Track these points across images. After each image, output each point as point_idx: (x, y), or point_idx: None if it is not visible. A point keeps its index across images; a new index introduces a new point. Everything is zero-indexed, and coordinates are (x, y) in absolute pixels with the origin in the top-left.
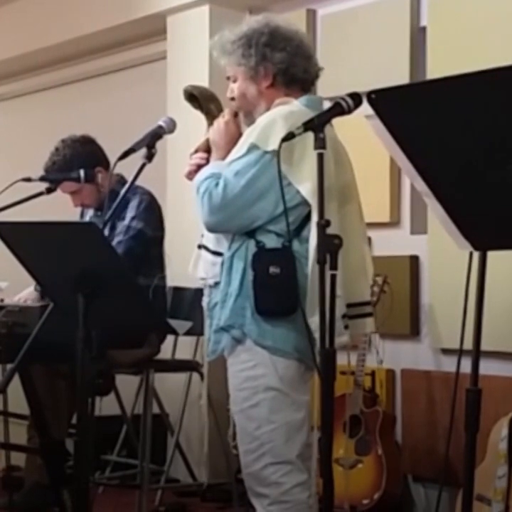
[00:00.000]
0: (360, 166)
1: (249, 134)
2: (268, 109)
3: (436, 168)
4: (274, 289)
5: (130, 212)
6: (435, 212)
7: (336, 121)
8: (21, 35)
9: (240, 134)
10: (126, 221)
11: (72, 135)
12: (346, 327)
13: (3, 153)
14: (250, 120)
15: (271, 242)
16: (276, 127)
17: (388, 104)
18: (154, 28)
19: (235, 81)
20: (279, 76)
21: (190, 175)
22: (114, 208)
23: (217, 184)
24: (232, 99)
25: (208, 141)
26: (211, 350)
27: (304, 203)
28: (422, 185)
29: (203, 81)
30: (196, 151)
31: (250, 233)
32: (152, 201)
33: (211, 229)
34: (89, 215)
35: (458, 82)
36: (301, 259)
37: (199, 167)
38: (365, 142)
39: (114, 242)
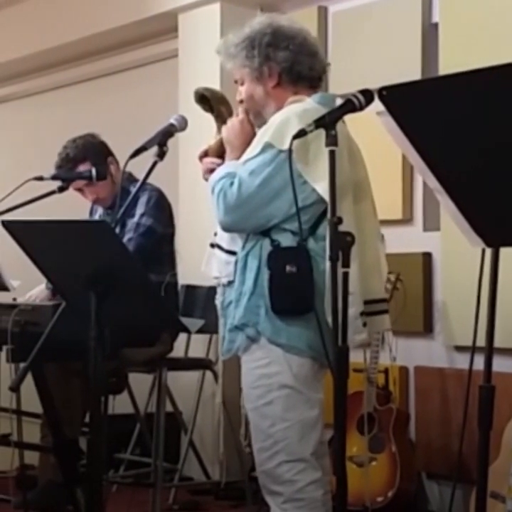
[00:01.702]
0: (372, 163)
1: (264, 133)
2: (278, 108)
3: (447, 165)
4: (291, 287)
5: (139, 209)
6: (447, 209)
7: (348, 118)
8: (33, 34)
9: (254, 134)
10: (136, 218)
11: (77, 135)
12: (364, 325)
13: (16, 152)
14: (261, 121)
15: (286, 240)
16: (291, 125)
17: (399, 100)
18: (166, 26)
19: (242, 84)
20: (284, 75)
21: (206, 175)
22: (125, 207)
23: (232, 183)
24: (241, 101)
25: (220, 142)
26: (226, 349)
27: (320, 200)
28: (433, 182)
29: (214, 79)
30: (206, 153)
31: (265, 232)
32: (161, 198)
33: (227, 228)
34: (98, 213)
35: (469, 78)
36: (317, 257)
37: (214, 170)
38: (378, 139)
39: (124, 240)
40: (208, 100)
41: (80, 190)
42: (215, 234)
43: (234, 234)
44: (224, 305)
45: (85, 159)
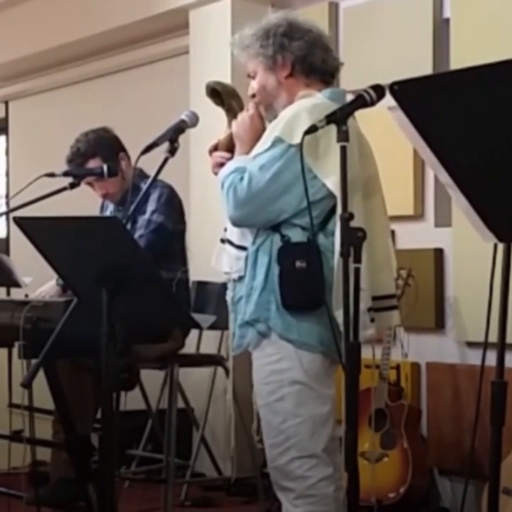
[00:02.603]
0: (383, 158)
1: (274, 128)
2: (290, 101)
3: (459, 159)
4: (301, 283)
5: (150, 206)
6: (459, 204)
7: (360, 113)
8: (44, 31)
9: (264, 129)
10: (147, 215)
11: (91, 128)
12: (372, 320)
13: (28, 149)
14: (272, 114)
15: (296, 236)
16: (301, 120)
17: (411, 95)
18: (177, 23)
19: (254, 77)
20: (297, 65)
21: (215, 168)
22: (136, 203)
23: (242, 178)
24: (253, 96)
25: (230, 136)
26: (236, 345)
27: (330, 195)
28: (445, 177)
29: (225, 75)
30: (216, 147)
31: (275, 227)
32: (172, 194)
33: (236, 223)
34: (109, 209)
35: (480, 73)
36: (327, 252)
37: (223, 164)
38: (389, 135)
39: (135, 237)
40: (219, 94)
41: (89, 184)
42: (226, 229)
43: (244, 229)
44: (234, 300)
45: (95, 155)
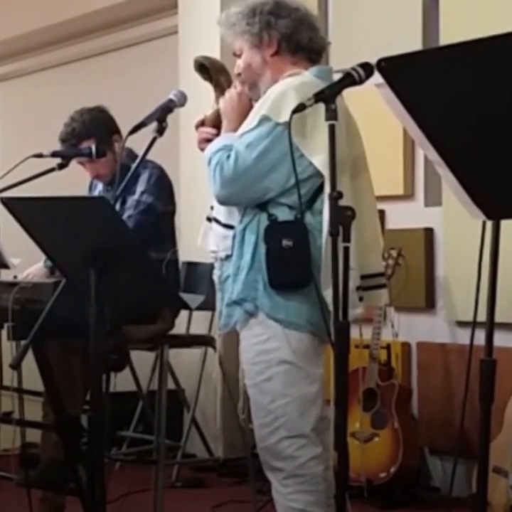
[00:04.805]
0: (373, 137)
1: (261, 106)
2: (274, 79)
3: (447, 136)
4: (287, 262)
5: (140, 187)
6: (447, 182)
7: (350, 91)
8: (33, 11)
9: (251, 106)
10: (136, 195)
11: (86, 107)
12: (361, 299)
13: (17, 130)
14: (256, 93)
15: (283, 214)
16: (288, 98)
17: (398, 71)
18: (165, 3)
19: (240, 55)
20: (283, 43)
21: (201, 144)
22: (125, 184)
23: (228, 156)
24: (239, 75)
25: (217, 112)
26: (223, 324)
27: (317, 174)
28: (433, 154)
29: (214, 54)
30: (203, 122)
31: (262, 206)
32: (162, 175)
33: (223, 202)
34: (98, 189)
35: (467, 48)
36: (314, 231)
37: (209, 139)
38: (380, 114)
39: (124, 217)
40: (207, 69)
41: (81, 163)
42: (212, 207)
43: (231, 207)
44: (221, 279)
45: (90, 137)
